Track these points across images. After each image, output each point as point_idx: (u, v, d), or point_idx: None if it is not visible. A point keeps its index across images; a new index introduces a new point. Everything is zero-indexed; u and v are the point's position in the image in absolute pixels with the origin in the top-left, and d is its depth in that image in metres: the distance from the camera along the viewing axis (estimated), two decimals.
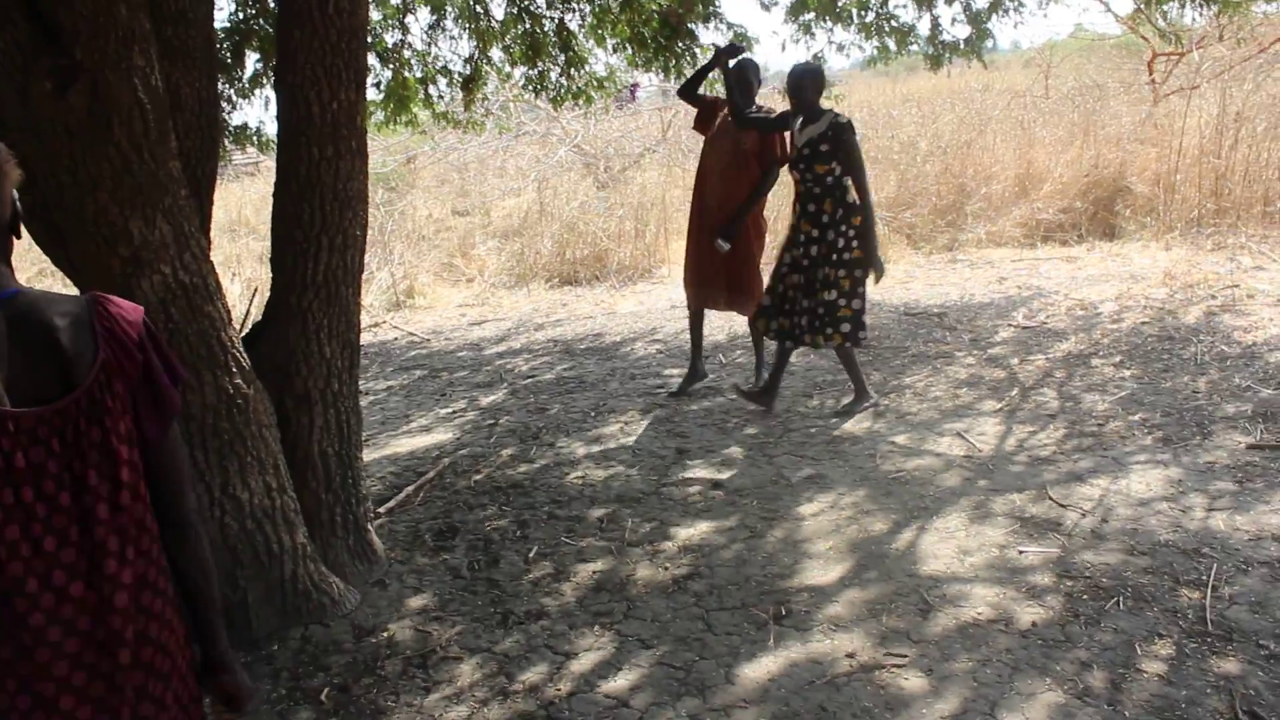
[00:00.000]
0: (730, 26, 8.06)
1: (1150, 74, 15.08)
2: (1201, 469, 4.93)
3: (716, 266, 6.69)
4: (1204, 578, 3.91)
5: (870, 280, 5.99)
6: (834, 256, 5.92)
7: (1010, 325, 7.92)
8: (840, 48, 8.78)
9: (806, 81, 6.00)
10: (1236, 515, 4.41)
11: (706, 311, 7.14)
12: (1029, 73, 20.57)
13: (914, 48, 8.70)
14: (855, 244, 5.90)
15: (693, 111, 7.08)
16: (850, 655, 3.60)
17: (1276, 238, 9.67)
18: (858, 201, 5.88)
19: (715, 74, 6.95)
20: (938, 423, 5.93)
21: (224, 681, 1.95)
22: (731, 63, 6.42)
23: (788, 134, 6.36)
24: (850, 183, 5.88)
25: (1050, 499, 4.74)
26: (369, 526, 4.62)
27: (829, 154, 5.87)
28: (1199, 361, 6.54)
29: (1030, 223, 11.36)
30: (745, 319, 7.10)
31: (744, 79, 6.49)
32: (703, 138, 6.91)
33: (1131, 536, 4.30)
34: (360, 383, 4.61)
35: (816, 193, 5.95)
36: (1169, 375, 6.35)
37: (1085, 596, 3.86)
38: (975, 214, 11.70)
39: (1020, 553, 4.25)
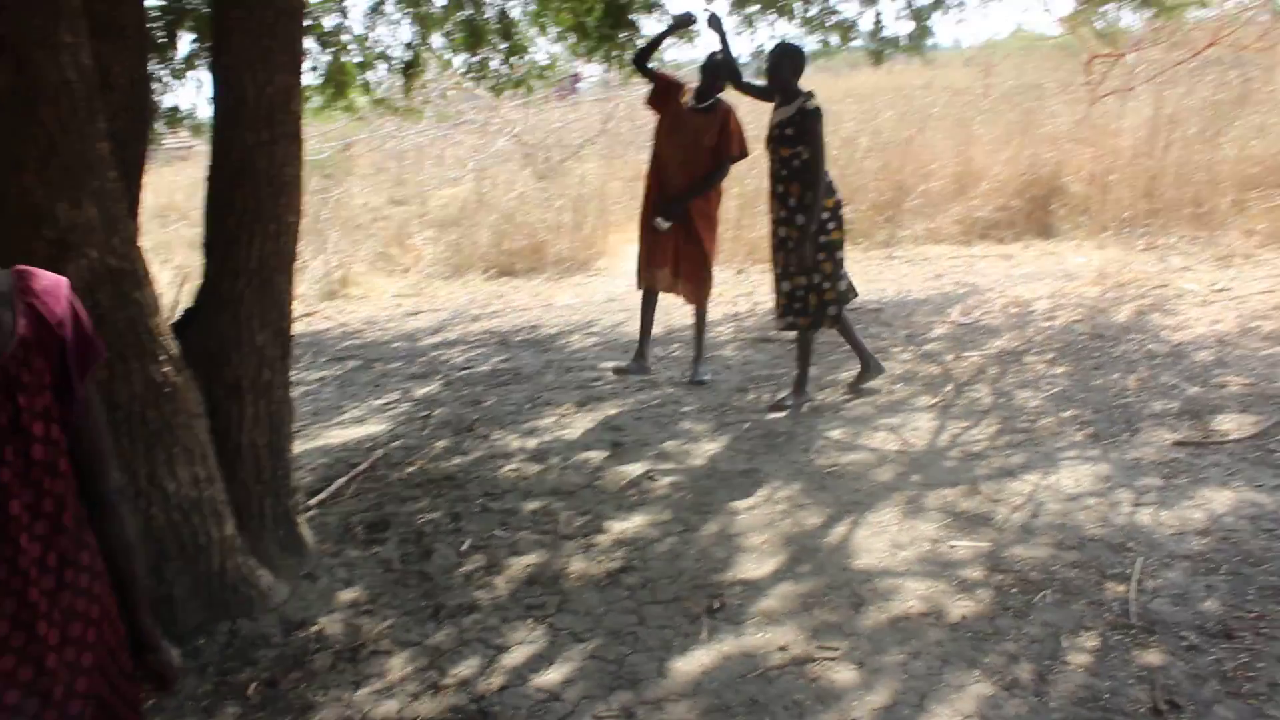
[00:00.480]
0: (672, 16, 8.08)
1: (1088, 75, 15.33)
2: (1129, 465, 5.04)
3: (667, 251, 6.76)
4: (1129, 571, 4.01)
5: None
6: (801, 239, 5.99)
7: (946, 322, 8.03)
8: (780, 39, 8.80)
9: (784, 61, 6.03)
10: (1162, 510, 4.52)
11: (661, 298, 7.17)
12: (969, 71, 20.76)
13: (856, 43, 8.80)
14: (830, 225, 6.00)
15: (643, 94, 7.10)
16: (783, 648, 3.65)
17: (1205, 239, 9.88)
18: (829, 182, 5.98)
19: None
20: (872, 418, 6.00)
21: (149, 660, 1.95)
22: (704, 48, 6.51)
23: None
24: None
25: (982, 494, 4.82)
26: (299, 519, 4.58)
27: (794, 138, 5.93)
28: (1129, 360, 6.68)
29: (967, 220, 11.51)
30: (691, 309, 7.13)
31: (712, 71, 6.58)
32: (654, 121, 6.90)
33: (1060, 531, 4.40)
34: (292, 373, 4.57)
35: (784, 175, 6.03)
36: (1100, 373, 6.48)
37: (1014, 590, 3.94)
38: (913, 211, 11.84)
39: (951, 547, 4.32)
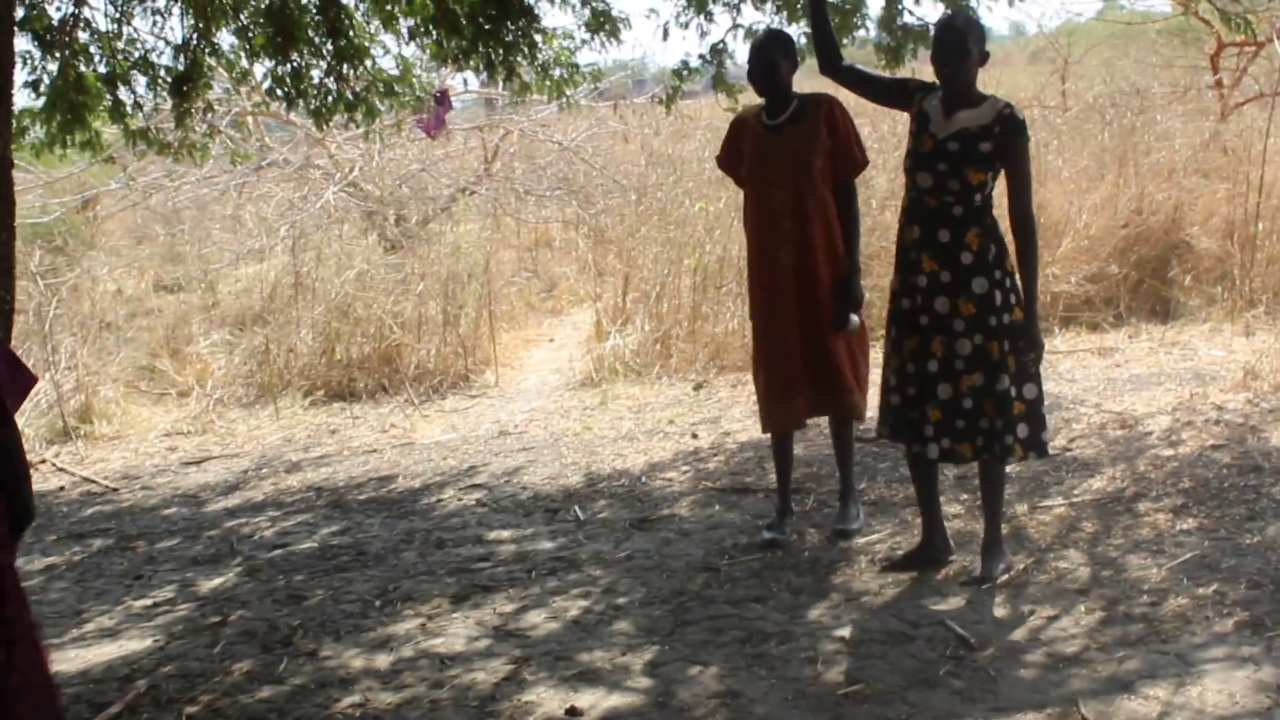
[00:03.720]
0: (586, 1, 8.25)
1: (1215, 73, 15.75)
2: None
3: (807, 358, 6.84)
4: None
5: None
6: (990, 320, 6.00)
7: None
8: (749, 33, 8.92)
9: (969, 39, 6.00)
10: None
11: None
12: (1038, 70, 21.32)
13: (862, 33, 8.95)
14: (1015, 300, 6.02)
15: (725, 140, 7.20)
16: None
17: None
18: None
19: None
20: (909, 602, 6.01)
21: None
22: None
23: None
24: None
25: (1083, 719, 4.82)
26: None
27: (987, 157, 5.97)
28: None
29: (1044, 296, 11.67)
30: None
31: (765, 59, 6.71)
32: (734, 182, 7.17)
33: None
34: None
35: (957, 215, 6.05)
36: (1255, 526, 6.55)
37: None
38: None
39: None
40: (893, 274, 6.32)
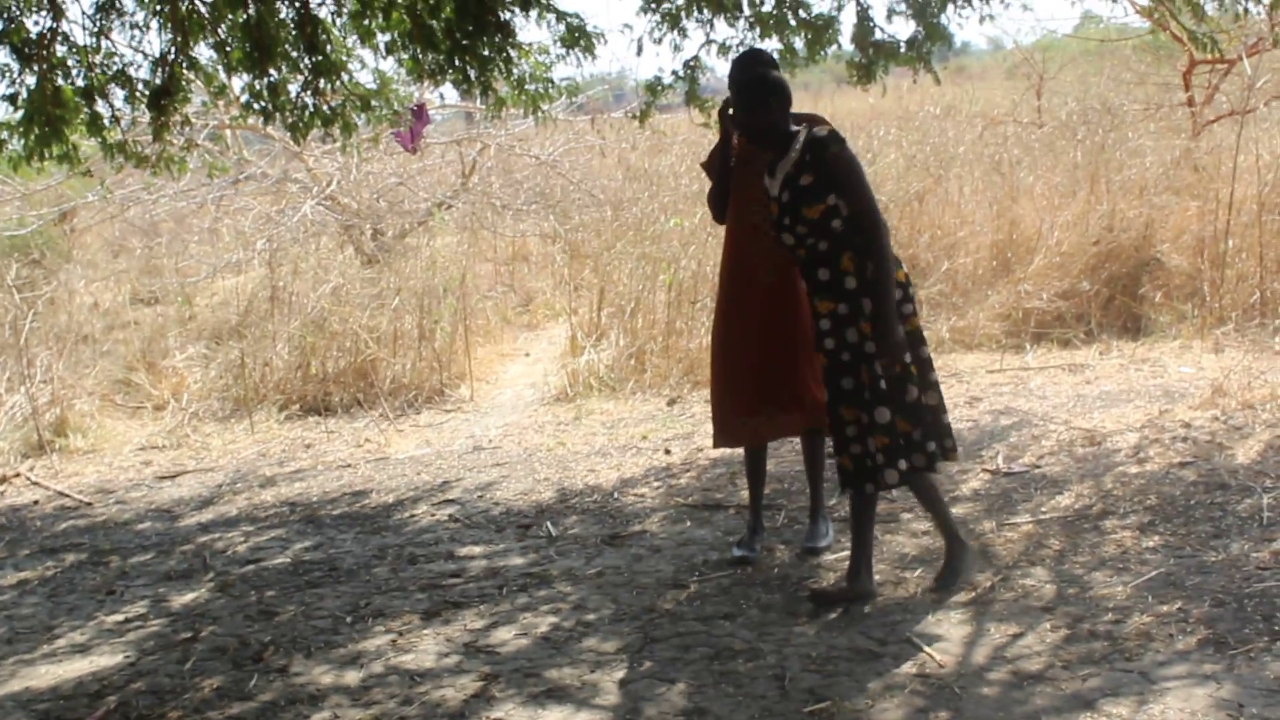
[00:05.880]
0: (561, 17, 8.26)
1: (1187, 91, 15.82)
2: (1271, 686, 5.06)
3: (782, 376, 6.87)
4: None
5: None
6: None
7: (983, 470, 8.14)
8: (723, 49, 8.96)
9: (764, 95, 6.19)
10: None
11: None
12: (1014, 86, 21.36)
13: (834, 49, 8.98)
14: (906, 308, 6.19)
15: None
16: None
17: None
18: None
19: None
20: (876, 619, 6.03)
21: None
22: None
23: None
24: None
25: None
26: None
27: (815, 189, 6.06)
28: (1264, 522, 6.80)
29: (1015, 314, 11.73)
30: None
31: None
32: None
33: None
34: None
35: (823, 250, 6.12)
36: (1219, 543, 6.58)
37: None
38: (935, 303, 12.03)
39: None
40: None
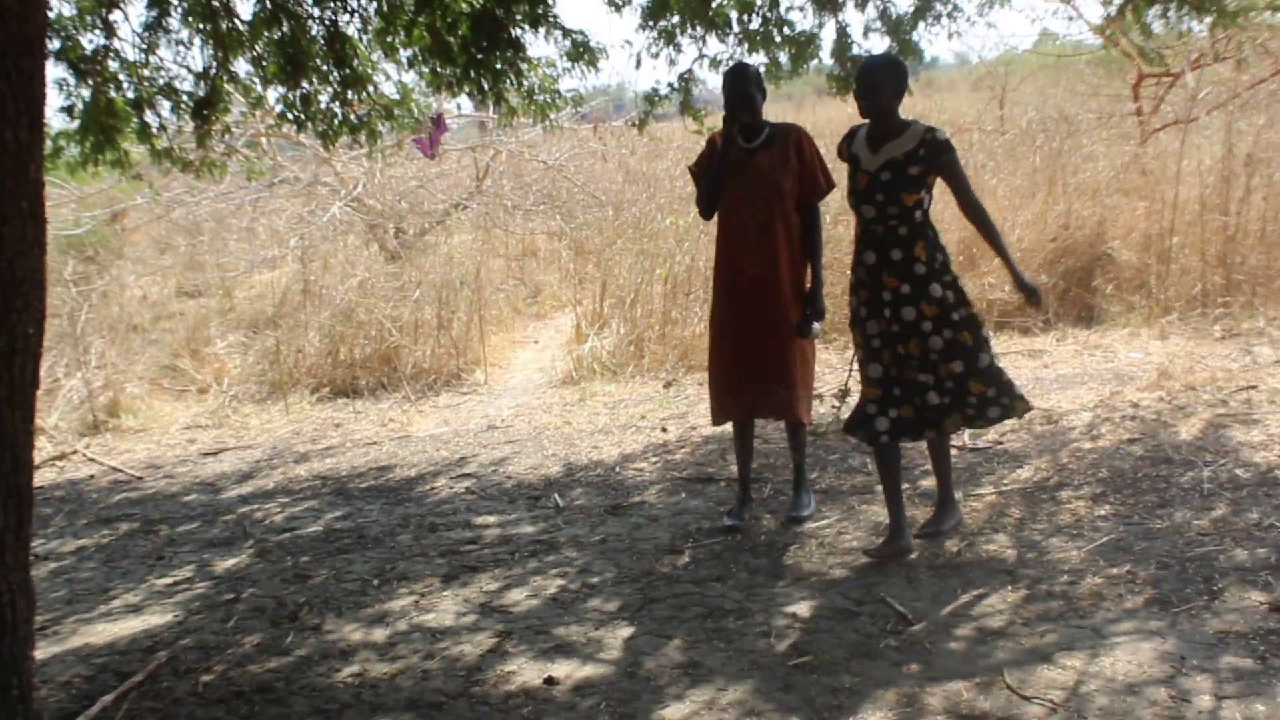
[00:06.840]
0: (567, 34, 8.26)
1: (1136, 101, 15.81)
2: (1210, 641, 5.10)
3: (765, 358, 6.89)
4: None
5: None
6: (953, 316, 6.15)
7: (952, 446, 8.14)
8: (714, 63, 8.99)
9: (878, 74, 6.20)
10: (1257, 703, 4.57)
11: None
12: (979, 97, 21.35)
13: (815, 63, 9.01)
14: (963, 299, 6.24)
15: None
16: None
17: None
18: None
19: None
20: (851, 583, 6.06)
21: None
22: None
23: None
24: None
25: (1008, 687, 4.86)
26: None
27: (918, 179, 6.10)
28: (1204, 492, 6.83)
29: (980, 304, 11.70)
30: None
31: (741, 92, 6.77)
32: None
33: None
34: (36, 542, 4.52)
35: (903, 234, 6.15)
36: (1164, 512, 6.61)
37: None
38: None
39: None
40: (850, 297, 6.42)
